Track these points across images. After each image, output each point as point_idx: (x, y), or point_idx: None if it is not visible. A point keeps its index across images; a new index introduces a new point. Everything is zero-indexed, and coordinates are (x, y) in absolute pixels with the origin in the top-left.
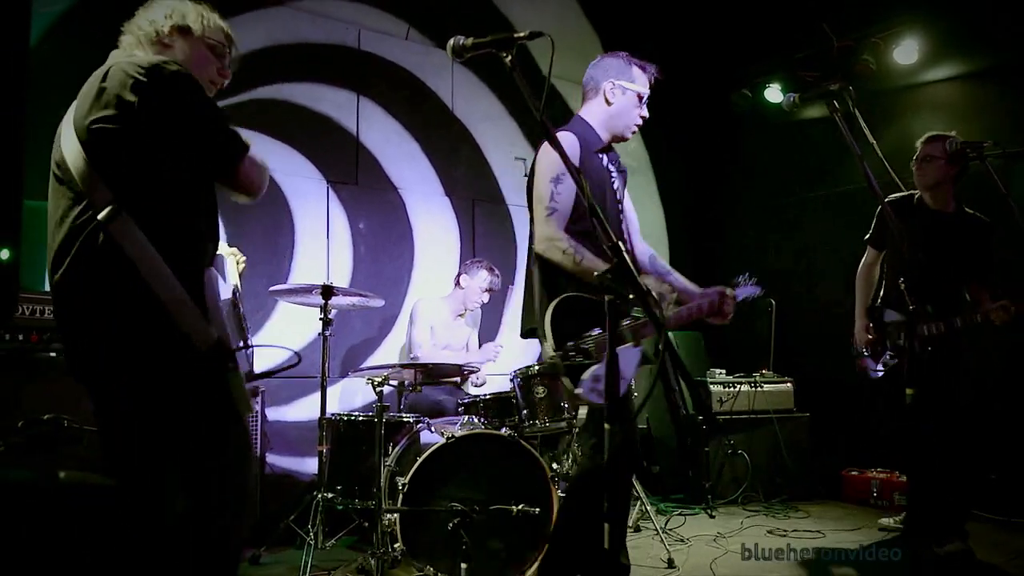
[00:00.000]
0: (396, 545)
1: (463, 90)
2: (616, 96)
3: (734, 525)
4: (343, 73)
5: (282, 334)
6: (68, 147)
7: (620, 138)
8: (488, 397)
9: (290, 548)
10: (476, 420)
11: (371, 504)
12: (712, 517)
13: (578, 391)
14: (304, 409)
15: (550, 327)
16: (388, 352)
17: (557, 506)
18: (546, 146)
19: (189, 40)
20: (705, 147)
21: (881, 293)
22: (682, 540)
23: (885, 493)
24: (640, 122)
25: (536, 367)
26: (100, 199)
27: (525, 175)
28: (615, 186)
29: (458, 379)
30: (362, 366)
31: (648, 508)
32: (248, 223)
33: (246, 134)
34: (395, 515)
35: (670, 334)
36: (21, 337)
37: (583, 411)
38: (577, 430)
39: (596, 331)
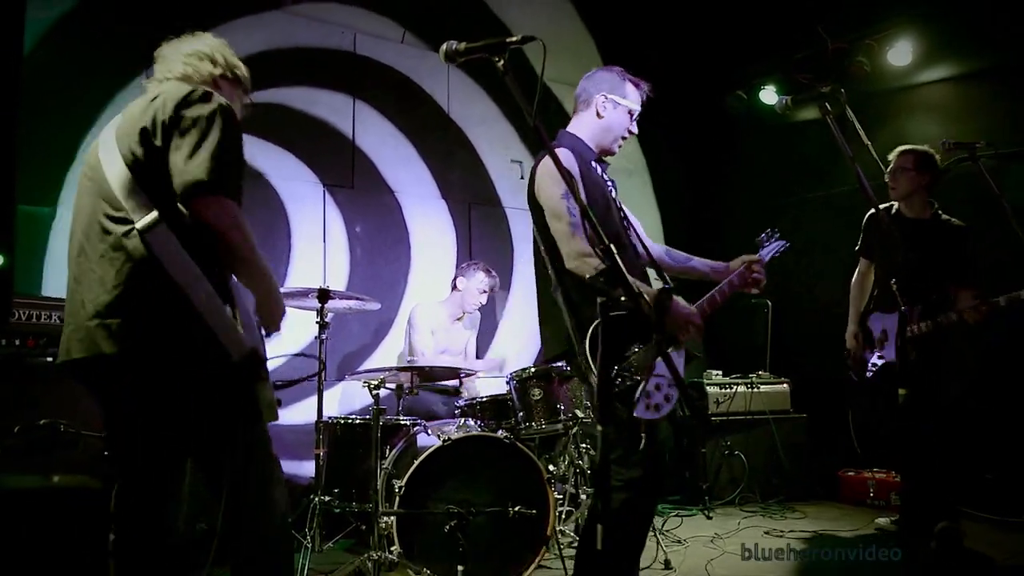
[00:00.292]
0: (393, 548)
1: (459, 93)
2: (607, 110)
3: (731, 526)
4: (339, 77)
5: (279, 338)
6: (110, 159)
7: (607, 152)
8: (485, 399)
9: None
10: (473, 422)
11: (368, 507)
12: (709, 518)
13: (636, 415)
14: (301, 412)
15: (592, 360)
16: (385, 355)
17: (554, 507)
18: (544, 163)
19: (225, 82)
20: (702, 149)
21: (872, 296)
22: (679, 541)
23: (882, 493)
24: (628, 137)
25: (532, 369)
26: (140, 210)
27: (522, 178)
28: (614, 194)
29: (456, 383)
30: (359, 369)
31: None
32: None
33: (246, 140)
34: (392, 518)
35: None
36: (18, 342)
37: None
38: (574, 432)
39: (636, 348)
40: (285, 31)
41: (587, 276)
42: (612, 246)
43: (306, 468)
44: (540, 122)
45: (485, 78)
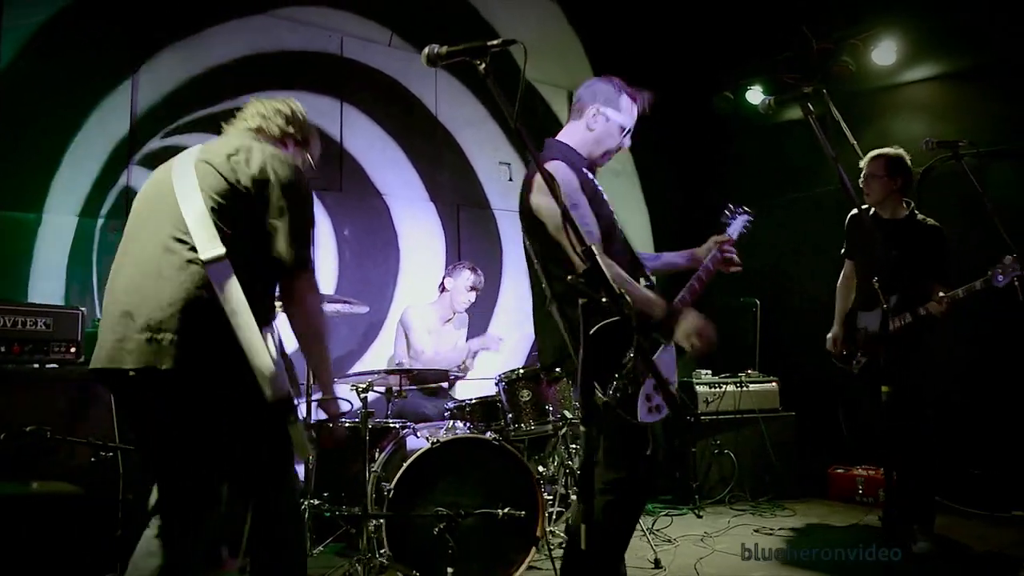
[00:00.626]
0: (382, 551)
1: (447, 96)
2: (598, 123)
3: (721, 525)
4: (326, 80)
5: None
6: (186, 191)
7: (594, 164)
8: (474, 401)
9: None
10: (462, 424)
11: (358, 510)
12: (699, 517)
13: (643, 421)
14: None
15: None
16: (374, 358)
17: (543, 509)
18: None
19: (292, 142)
20: (690, 149)
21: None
22: (669, 540)
23: (870, 490)
24: (616, 152)
25: (521, 371)
26: (208, 243)
27: (510, 179)
28: (607, 199)
29: (445, 384)
30: (348, 372)
31: None
32: None
33: None
34: (381, 521)
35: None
36: (3, 349)
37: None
38: (563, 433)
39: (630, 354)
40: (271, 35)
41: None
42: (594, 248)
43: (296, 471)
44: (521, 125)
45: (473, 80)
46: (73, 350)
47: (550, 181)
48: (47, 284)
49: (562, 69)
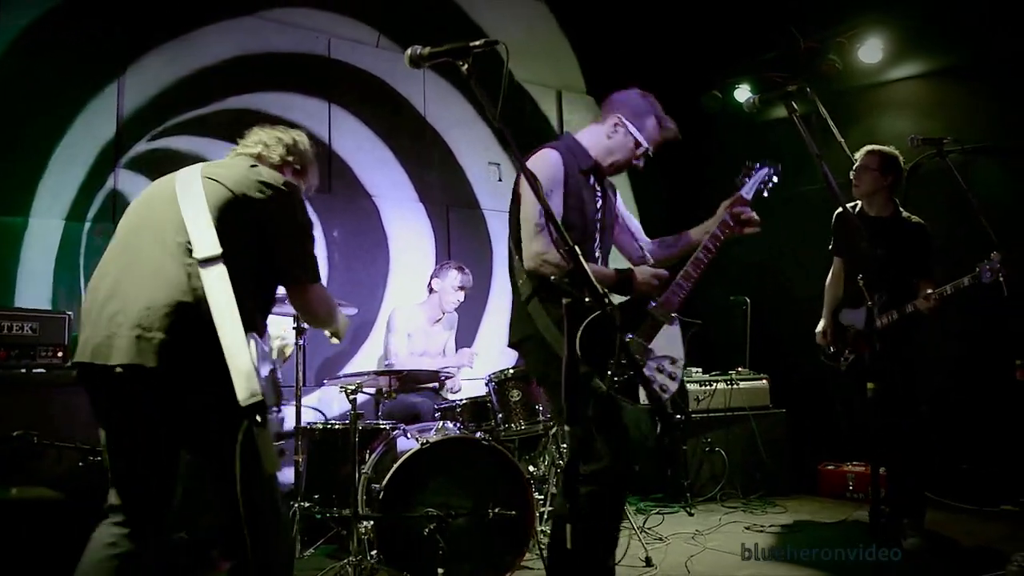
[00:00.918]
0: (373, 552)
1: (435, 96)
2: (617, 133)
3: (712, 522)
4: (314, 82)
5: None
6: (190, 200)
7: (604, 172)
8: (464, 402)
9: None
10: (452, 425)
11: (348, 512)
12: (691, 515)
13: (646, 402)
14: None
15: (586, 360)
16: (364, 359)
17: (534, 509)
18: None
19: (289, 169)
20: (679, 148)
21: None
22: (661, 539)
23: (861, 486)
24: (626, 168)
25: (510, 371)
26: (204, 245)
27: (500, 179)
28: (599, 204)
29: (435, 384)
30: (338, 374)
31: (627, 507)
32: None
33: (221, 147)
34: (371, 522)
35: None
36: None
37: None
38: (553, 433)
39: (628, 337)
40: (259, 36)
41: (552, 278)
42: (577, 248)
43: (286, 475)
44: (507, 125)
45: (461, 81)
46: (60, 354)
47: (532, 181)
48: (34, 288)
49: (551, 69)
